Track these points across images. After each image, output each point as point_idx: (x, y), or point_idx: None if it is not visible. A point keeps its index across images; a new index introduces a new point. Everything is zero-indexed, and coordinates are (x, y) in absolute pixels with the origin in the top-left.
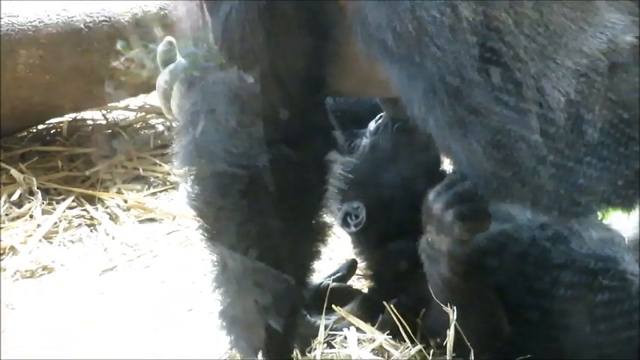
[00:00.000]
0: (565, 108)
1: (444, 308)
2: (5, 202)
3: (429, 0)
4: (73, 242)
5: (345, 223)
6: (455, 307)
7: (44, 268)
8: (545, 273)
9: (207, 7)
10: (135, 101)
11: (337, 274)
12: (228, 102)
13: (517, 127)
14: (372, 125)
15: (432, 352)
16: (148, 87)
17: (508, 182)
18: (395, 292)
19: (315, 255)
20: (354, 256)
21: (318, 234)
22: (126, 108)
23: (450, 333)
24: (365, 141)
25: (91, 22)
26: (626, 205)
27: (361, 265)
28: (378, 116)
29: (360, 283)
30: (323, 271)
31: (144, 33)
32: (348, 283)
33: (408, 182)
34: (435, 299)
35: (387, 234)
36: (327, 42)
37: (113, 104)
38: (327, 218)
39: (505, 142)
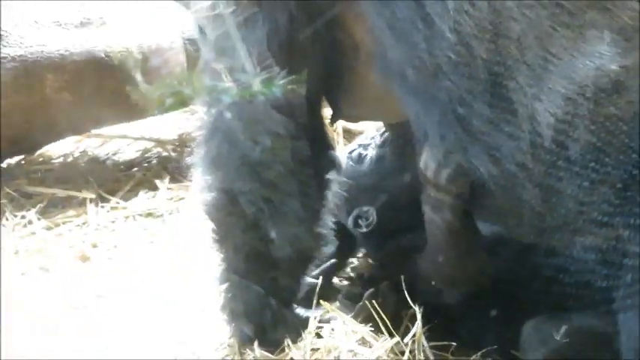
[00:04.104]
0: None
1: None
2: None
3: (443, 41)
4: None
5: (356, 225)
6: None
7: None
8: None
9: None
10: None
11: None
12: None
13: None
14: (377, 138)
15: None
16: None
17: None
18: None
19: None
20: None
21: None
22: None
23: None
24: (372, 152)
25: None
26: None
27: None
28: (382, 130)
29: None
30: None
31: None
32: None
33: (408, 187)
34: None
35: (391, 232)
36: (342, 73)
37: None
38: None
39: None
